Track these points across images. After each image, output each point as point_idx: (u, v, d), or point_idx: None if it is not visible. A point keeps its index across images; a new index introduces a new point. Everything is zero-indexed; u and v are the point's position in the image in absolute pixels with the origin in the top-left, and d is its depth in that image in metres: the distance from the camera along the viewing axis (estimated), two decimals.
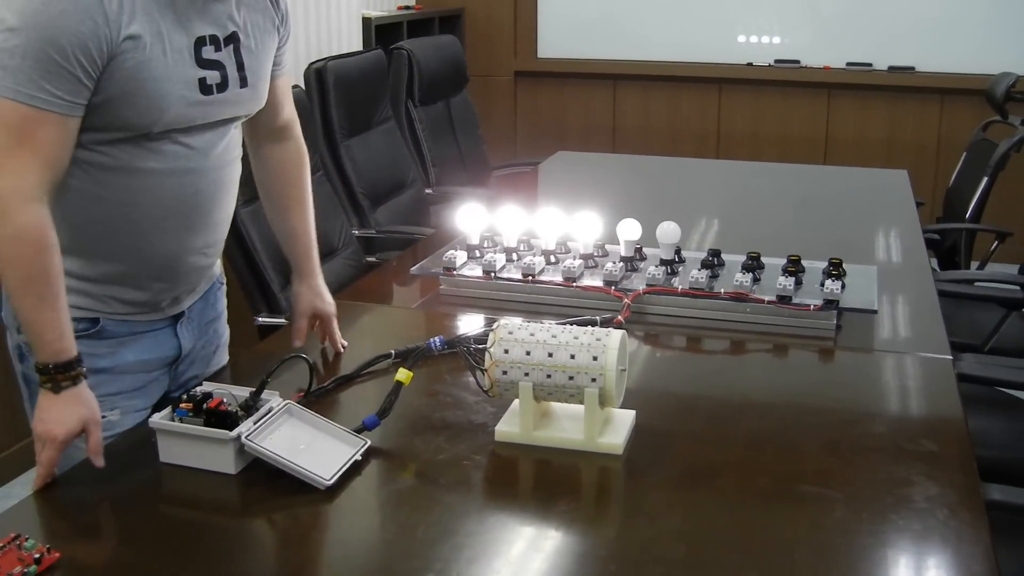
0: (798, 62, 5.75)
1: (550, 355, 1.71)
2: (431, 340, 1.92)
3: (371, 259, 3.34)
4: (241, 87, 1.85)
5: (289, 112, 2.11)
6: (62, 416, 1.65)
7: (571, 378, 1.70)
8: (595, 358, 1.70)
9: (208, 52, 1.77)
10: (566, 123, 6.33)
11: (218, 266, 2.11)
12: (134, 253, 1.84)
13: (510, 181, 4.50)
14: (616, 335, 1.73)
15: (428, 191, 4.13)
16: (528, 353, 1.72)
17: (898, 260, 2.93)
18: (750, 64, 5.85)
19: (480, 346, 1.77)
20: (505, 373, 1.73)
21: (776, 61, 5.80)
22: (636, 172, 4.37)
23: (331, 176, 3.59)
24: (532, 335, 1.74)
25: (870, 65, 5.65)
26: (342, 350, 2.15)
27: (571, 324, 1.81)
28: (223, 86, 1.81)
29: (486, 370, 1.74)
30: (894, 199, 3.63)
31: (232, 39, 1.82)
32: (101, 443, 1.69)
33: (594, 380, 1.69)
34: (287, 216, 2.16)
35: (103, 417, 1.77)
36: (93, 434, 1.68)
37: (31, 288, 1.63)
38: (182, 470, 1.69)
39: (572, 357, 1.70)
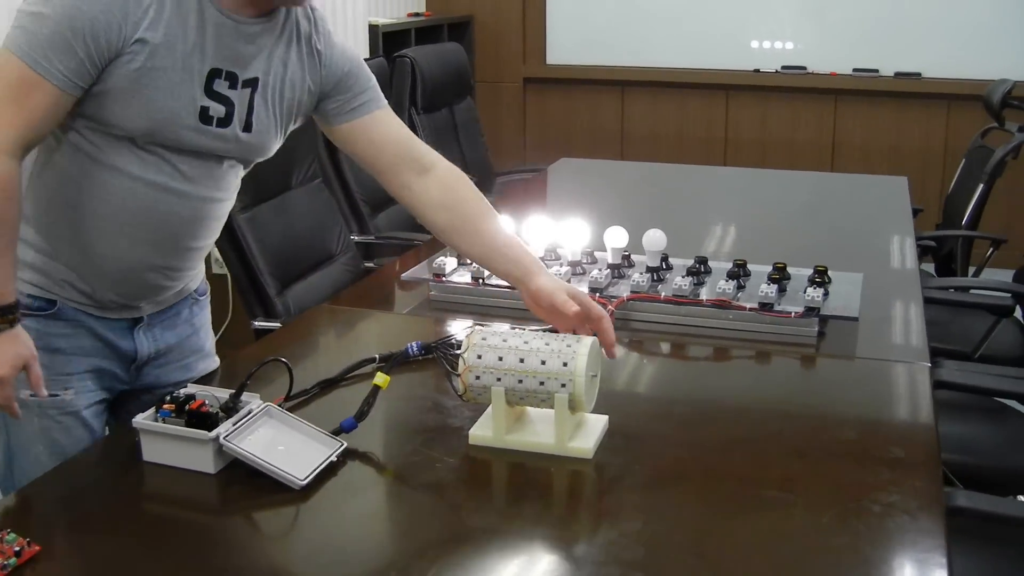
0: (805, 68, 5.78)
1: (521, 360, 1.75)
2: (408, 345, 1.96)
3: (369, 264, 3.38)
4: (243, 130, 1.87)
5: (419, 143, 2.06)
6: (2, 356, 1.71)
7: (542, 383, 1.74)
8: (565, 364, 1.73)
9: (220, 85, 1.81)
10: (575, 129, 6.36)
11: (196, 282, 2.12)
12: (93, 248, 1.87)
13: (513, 188, 4.54)
14: (587, 341, 1.76)
15: None
16: (500, 359, 1.76)
17: (889, 267, 2.95)
18: (757, 70, 5.88)
19: (455, 351, 1.81)
20: (478, 378, 1.77)
21: (783, 67, 5.82)
22: (640, 179, 4.41)
23: (331, 182, 3.64)
24: (505, 341, 1.78)
25: (876, 71, 5.67)
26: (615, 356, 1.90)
27: (552, 330, 1.85)
28: (225, 122, 1.84)
29: (460, 374, 1.78)
30: (892, 206, 3.65)
31: (251, 83, 1.85)
32: (41, 377, 1.76)
33: (564, 385, 1.73)
34: (482, 236, 2.02)
35: (56, 396, 1.88)
36: (33, 368, 1.75)
37: None
38: (164, 469, 1.73)
39: (543, 363, 1.74)
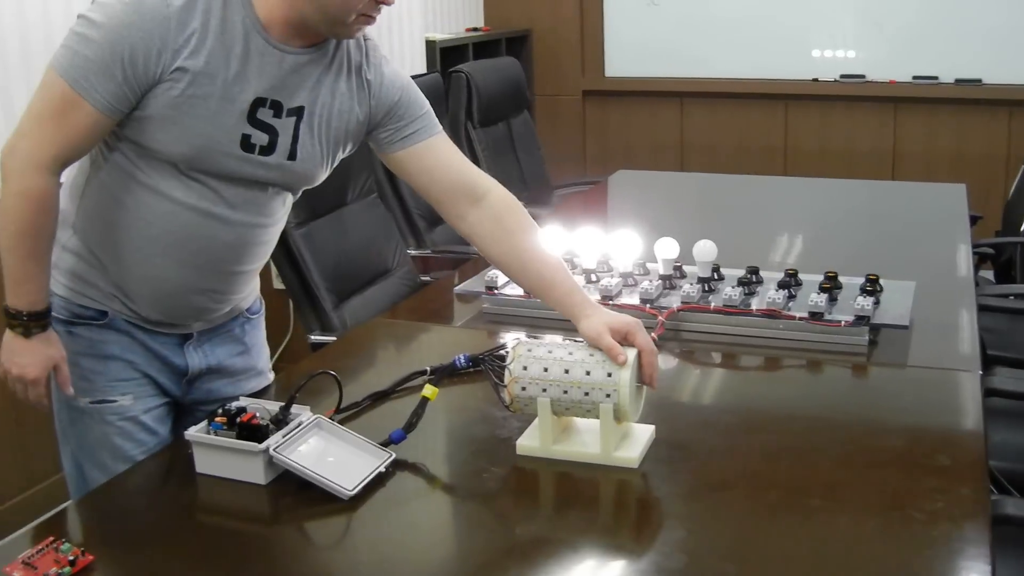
0: (864, 77, 5.74)
1: (566, 371, 1.77)
2: (456, 357, 1.98)
3: (426, 278, 3.42)
4: (288, 158, 1.90)
5: (467, 167, 2.04)
6: (34, 358, 1.84)
7: (586, 394, 1.76)
8: (609, 374, 1.75)
9: (265, 114, 1.84)
10: (634, 141, 6.37)
11: (249, 301, 2.15)
12: (139, 270, 1.93)
13: (570, 200, 4.56)
14: (631, 352, 1.78)
15: None
16: (546, 370, 1.78)
17: (944, 275, 2.92)
18: (816, 80, 5.84)
19: (502, 363, 1.83)
20: (524, 389, 1.79)
21: (842, 76, 5.78)
22: (697, 190, 4.41)
23: (387, 198, 3.68)
24: (550, 352, 1.80)
25: (936, 78, 5.61)
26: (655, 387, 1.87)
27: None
28: (268, 150, 1.87)
29: (506, 386, 1.80)
30: (949, 213, 3.62)
31: (296, 112, 1.87)
32: (68, 377, 1.88)
33: (608, 396, 1.74)
34: (528, 274, 1.99)
35: (114, 401, 1.96)
36: (61, 369, 1.87)
37: (24, 242, 1.80)
38: (217, 480, 1.77)
39: (587, 373, 1.76)
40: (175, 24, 1.73)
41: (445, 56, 5.43)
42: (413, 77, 3.98)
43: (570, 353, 1.79)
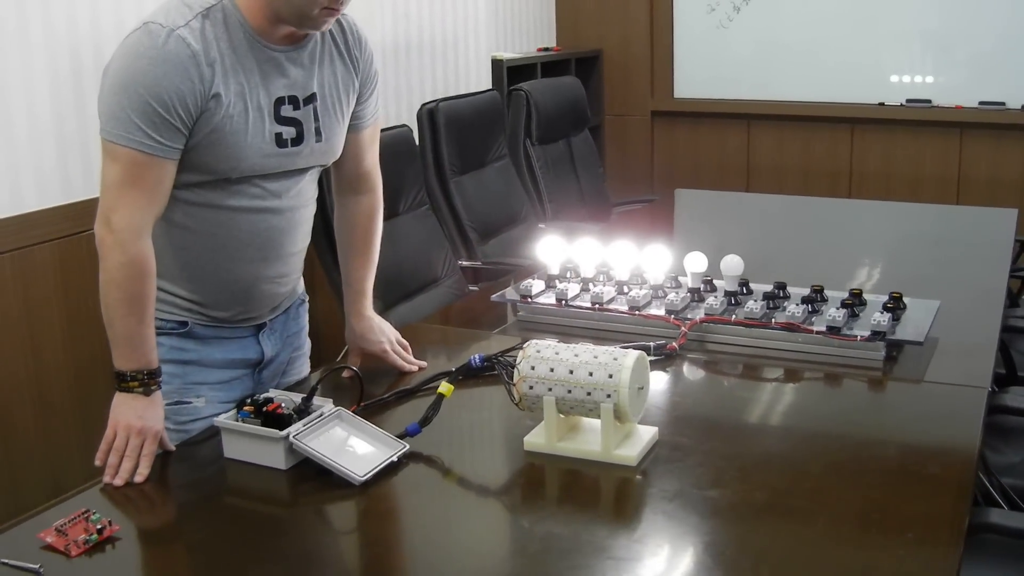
0: (930, 101, 5.74)
1: (571, 372, 1.86)
2: (472, 357, 2.09)
3: (473, 288, 3.53)
4: (316, 141, 2.08)
5: (370, 163, 2.29)
6: (157, 413, 1.94)
7: (589, 394, 1.85)
8: (610, 376, 1.84)
9: (287, 111, 2.02)
10: (701, 162, 6.42)
11: (300, 284, 2.34)
12: (214, 279, 2.09)
13: (627, 216, 4.64)
14: (632, 355, 1.87)
15: (541, 225, 4.30)
16: (552, 370, 1.88)
17: (977, 296, 2.95)
18: (882, 103, 5.86)
19: (512, 363, 1.93)
20: (531, 388, 1.89)
21: (908, 100, 5.79)
22: (755, 209, 4.46)
23: (440, 210, 3.80)
24: (556, 353, 1.89)
25: (1003, 104, 5.60)
26: (417, 370, 2.33)
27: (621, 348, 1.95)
28: (298, 140, 2.04)
29: (515, 384, 1.90)
30: (994, 237, 3.63)
31: (311, 99, 2.06)
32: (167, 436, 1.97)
33: (609, 396, 1.83)
34: (346, 263, 2.35)
35: (189, 403, 2.11)
36: (164, 431, 1.96)
37: (134, 308, 1.91)
38: (242, 465, 1.90)
39: (590, 374, 1.85)
40: (202, 59, 1.88)
41: (513, 75, 5.54)
42: (469, 95, 4.13)
43: (576, 355, 1.88)
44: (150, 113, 1.85)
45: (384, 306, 3.11)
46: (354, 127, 2.21)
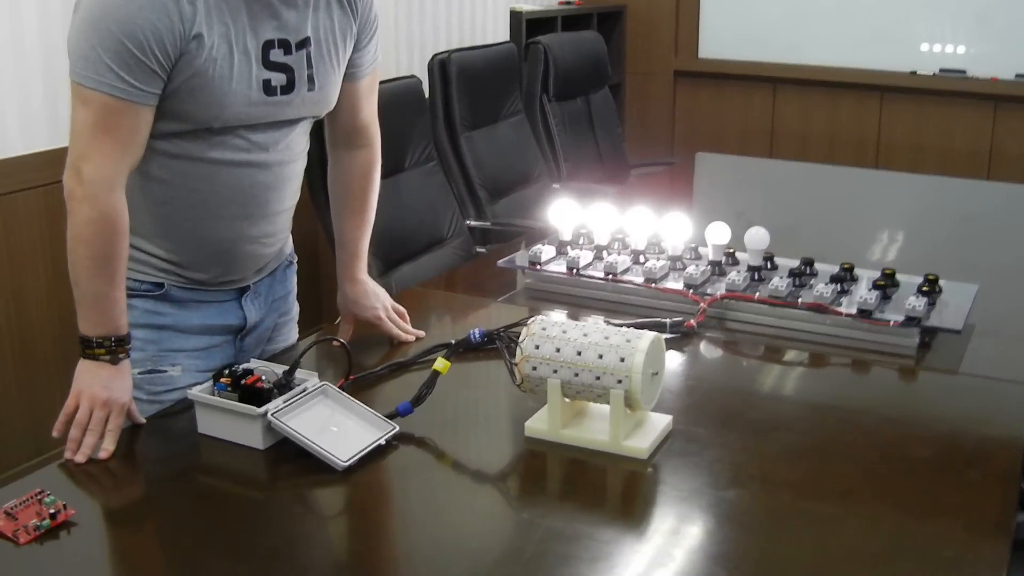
0: (964, 72, 5.53)
1: (579, 353, 1.70)
2: (472, 331, 1.92)
3: (481, 250, 3.36)
4: (309, 90, 1.90)
5: (367, 115, 2.12)
6: (124, 384, 1.77)
7: (598, 378, 1.68)
8: (622, 359, 1.67)
9: (277, 55, 1.83)
10: (724, 125, 6.23)
11: (289, 245, 2.17)
12: (192, 238, 1.91)
13: (646, 180, 4.47)
14: (647, 337, 1.70)
15: (555, 186, 4.12)
16: (558, 350, 1.71)
17: (1016, 280, 2.78)
18: (914, 72, 5.65)
19: (515, 340, 1.76)
20: (535, 369, 1.72)
21: (941, 70, 5.58)
22: (779, 177, 4.26)
23: (449, 167, 3.63)
24: (564, 332, 1.73)
25: None
26: (413, 340, 2.16)
27: (635, 325, 1.78)
28: (288, 88, 1.86)
29: (517, 364, 1.74)
30: None
31: (304, 44, 1.87)
32: (136, 407, 1.81)
33: (620, 382, 1.67)
34: (340, 222, 2.19)
35: (163, 372, 1.93)
36: (133, 402, 1.80)
37: (104, 268, 1.74)
38: (217, 442, 1.74)
39: (600, 357, 1.68)
40: None
41: (532, 28, 5.35)
42: (483, 46, 3.95)
43: (584, 335, 1.72)
44: (123, 54, 1.66)
45: (385, 267, 2.95)
46: (351, 76, 2.03)
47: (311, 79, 1.89)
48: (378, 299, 2.17)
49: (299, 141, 1.98)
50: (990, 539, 1.47)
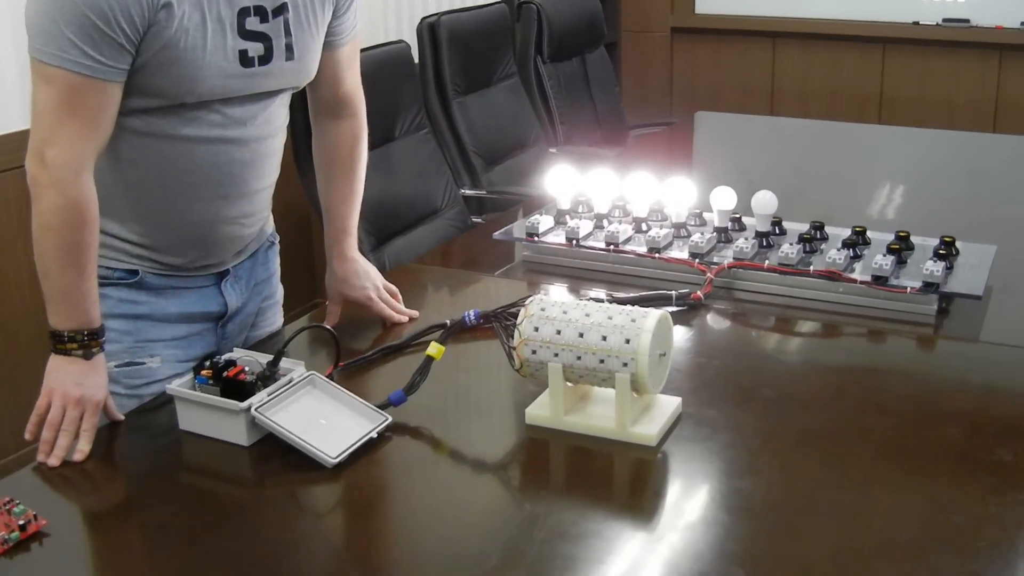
0: (968, 21, 5.38)
1: (580, 335, 1.59)
2: (466, 313, 1.81)
3: (477, 220, 3.25)
4: (287, 60, 1.78)
5: (351, 85, 2.01)
6: (98, 380, 1.67)
7: (602, 361, 1.58)
8: (628, 341, 1.56)
9: (252, 23, 1.71)
10: (723, 82, 6.09)
11: (270, 224, 2.06)
12: (167, 220, 1.80)
13: (644, 141, 4.34)
14: (653, 316, 1.59)
15: (552, 151, 4.00)
16: (558, 332, 1.60)
17: None
18: (916, 23, 5.50)
19: (514, 322, 1.66)
20: (535, 352, 1.62)
21: (944, 20, 5.44)
22: (782, 135, 4.12)
23: (442, 134, 3.51)
24: (565, 313, 1.62)
25: None
26: (407, 321, 2.06)
27: (640, 299, 1.66)
28: (266, 58, 1.74)
29: (516, 347, 1.63)
30: None
31: (281, 10, 1.75)
32: (113, 403, 1.71)
33: (625, 365, 1.56)
34: (327, 197, 2.08)
35: (142, 364, 1.83)
36: (110, 397, 1.70)
37: (73, 258, 1.63)
38: (201, 438, 1.64)
39: (604, 339, 1.58)
40: None
41: None
42: (474, 7, 3.81)
43: (587, 315, 1.61)
44: (87, 27, 1.54)
45: (377, 242, 2.84)
46: (330, 45, 1.90)
47: (289, 48, 1.77)
48: (368, 278, 2.06)
49: (278, 114, 1.86)
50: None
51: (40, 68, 1.57)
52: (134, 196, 1.77)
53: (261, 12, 1.72)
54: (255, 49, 1.72)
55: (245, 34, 1.70)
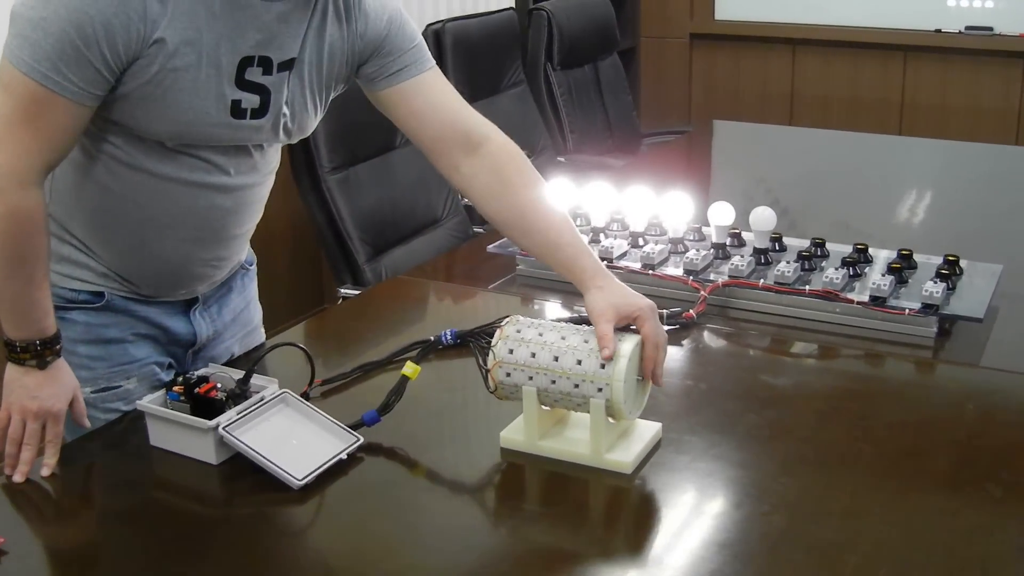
0: (991, 29, 5.31)
1: (556, 359, 1.55)
2: (443, 332, 1.77)
3: (479, 230, 3.21)
4: (283, 116, 1.69)
5: (469, 114, 1.80)
6: (55, 389, 1.61)
7: (576, 386, 1.53)
8: (603, 365, 1.52)
9: (254, 74, 1.61)
10: (742, 89, 6.03)
11: (244, 253, 1.95)
12: (136, 253, 1.74)
13: (657, 151, 4.29)
14: (631, 340, 1.55)
15: (560, 160, 3.96)
16: (533, 355, 1.56)
17: None
18: (939, 30, 5.43)
19: (489, 342, 1.61)
20: (508, 375, 1.58)
21: (967, 28, 5.36)
22: (799, 147, 4.05)
23: None
24: (540, 335, 1.58)
25: None
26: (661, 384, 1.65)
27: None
28: (260, 112, 1.65)
29: (490, 369, 1.59)
30: None
31: (288, 65, 1.65)
32: (84, 407, 1.67)
33: (600, 390, 1.52)
34: (532, 234, 1.76)
35: (118, 387, 1.78)
36: (78, 401, 1.65)
37: (19, 268, 1.57)
38: (171, 455, 1.61)
39: (579, 363, 1.53)
40: None
41: None
42: (481, 14, 3.77)
43: (562, 338, 1.57)
44: (64, 42, 1.46)
45: (375, 251, 2.81)
46: (399, 75, 1.75)
47: (288, 105, 1.68)
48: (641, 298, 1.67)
49: (269, 161, 1.78)
50: (1011, 569, 1.32)
51: (7, 70, 1.50)
52: (100, 223, 1.71)
53: (266, 63, 1.62)
54: (250, 101, 1.63)
55: (243, 84, 1.61)
